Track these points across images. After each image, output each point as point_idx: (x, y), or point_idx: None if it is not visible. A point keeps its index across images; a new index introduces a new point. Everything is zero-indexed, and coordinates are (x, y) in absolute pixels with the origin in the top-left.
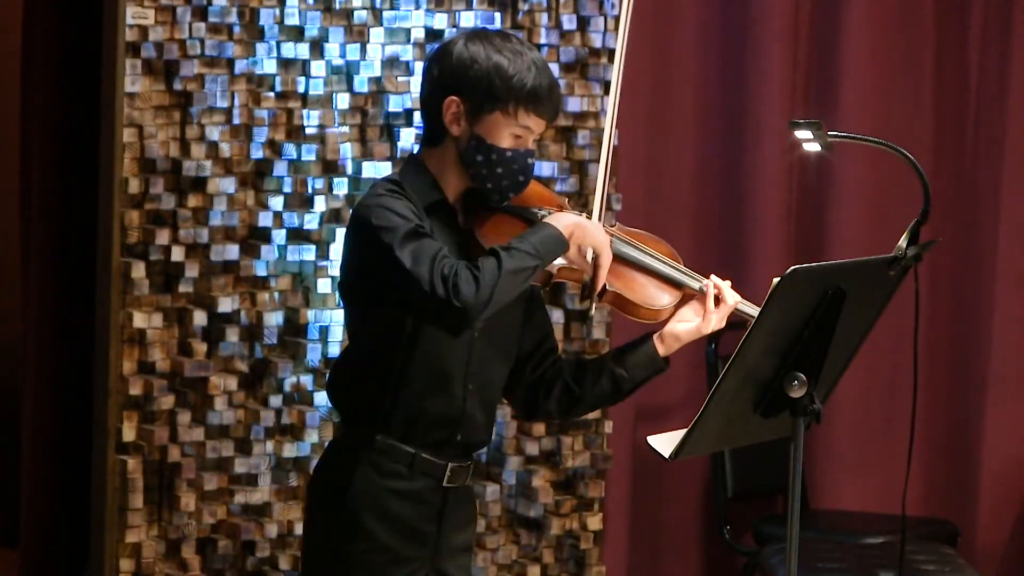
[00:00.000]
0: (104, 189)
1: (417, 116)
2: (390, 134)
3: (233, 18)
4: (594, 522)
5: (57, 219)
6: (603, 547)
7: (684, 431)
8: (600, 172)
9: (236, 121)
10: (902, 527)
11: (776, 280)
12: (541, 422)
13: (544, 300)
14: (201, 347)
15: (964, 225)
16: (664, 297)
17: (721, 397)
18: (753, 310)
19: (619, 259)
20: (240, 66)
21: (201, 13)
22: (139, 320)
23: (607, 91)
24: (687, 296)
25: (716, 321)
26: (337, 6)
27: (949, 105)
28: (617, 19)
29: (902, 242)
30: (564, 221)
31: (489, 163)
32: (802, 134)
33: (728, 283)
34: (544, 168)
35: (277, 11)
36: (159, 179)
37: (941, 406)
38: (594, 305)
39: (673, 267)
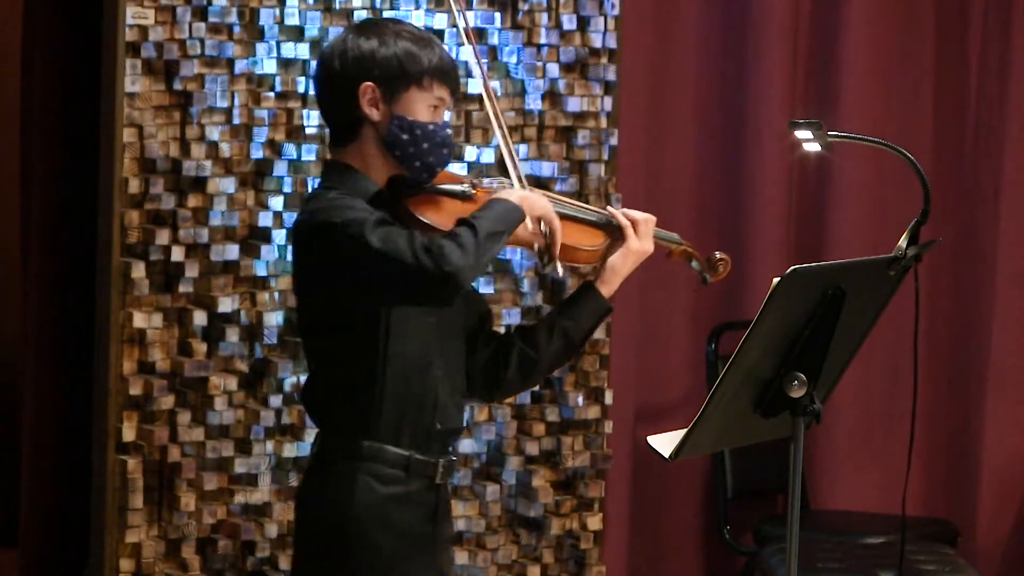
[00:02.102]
0: (104, 189)
1: None
2: None
3: (233, 18)
4: (594, 522)
5: (57, 219)
6: (603, 547)
7: (684, 431)
8: (501, 143)
9: (236, 121)
10: (902, 527)
11: (776, 280)
12: (503, 399)
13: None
14: (201, 347)
15: (964, 225)
16: (597, 238)
17: (721, 397)
18: (668, 235)
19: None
20: (240, 66)
21: (201, 13)
22: (139, 320)
23: (607, 91)
24: (613, 236)
25: (638, 244)
26: (337, 6)
27: (949, 105)
28: (618, 18)
29: (902, 242)
30: (513, 195)
31: (415, 140)
32: (802, 134)
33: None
34: (544, 168)
35: (277, 11)
36: (159, 179)
37: (941, 406)
38: (558, 265)
39: (596, 210)
